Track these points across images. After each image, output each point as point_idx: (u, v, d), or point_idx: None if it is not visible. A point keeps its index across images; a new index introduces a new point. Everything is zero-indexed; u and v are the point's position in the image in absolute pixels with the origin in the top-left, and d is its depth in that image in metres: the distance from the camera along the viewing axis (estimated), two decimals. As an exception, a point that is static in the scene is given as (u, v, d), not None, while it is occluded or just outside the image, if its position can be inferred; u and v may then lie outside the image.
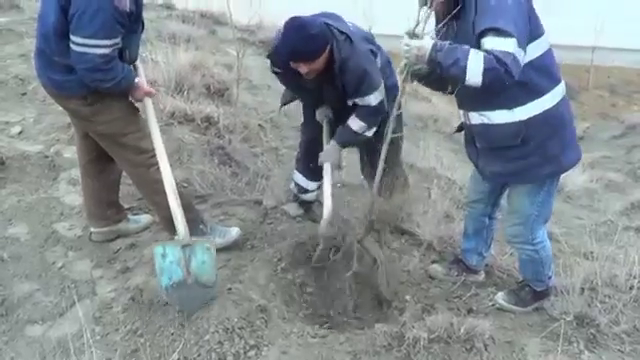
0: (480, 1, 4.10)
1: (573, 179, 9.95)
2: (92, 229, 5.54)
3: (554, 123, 4.32)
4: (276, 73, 5.61)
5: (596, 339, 4.68)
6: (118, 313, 4.72)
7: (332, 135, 5.67)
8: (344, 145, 5.58)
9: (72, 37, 4.43)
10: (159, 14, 13.56)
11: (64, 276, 5.17)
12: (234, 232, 5.44)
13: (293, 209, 6.27)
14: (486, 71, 3.98)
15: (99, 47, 4.44)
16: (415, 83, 4.87)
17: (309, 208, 6.40)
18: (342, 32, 5.13)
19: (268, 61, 5.57)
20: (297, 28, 4.90)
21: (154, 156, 4.93)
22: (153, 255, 4.58)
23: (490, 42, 4.01)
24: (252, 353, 4.30)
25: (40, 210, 5.91)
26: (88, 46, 4.41)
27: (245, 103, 9.23)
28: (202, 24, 13.45)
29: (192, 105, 7.92)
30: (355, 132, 5.38)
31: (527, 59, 4.11)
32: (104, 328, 4.60)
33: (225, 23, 13.59)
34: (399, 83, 4.75)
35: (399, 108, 4.76)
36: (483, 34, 4.04)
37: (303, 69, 5.03)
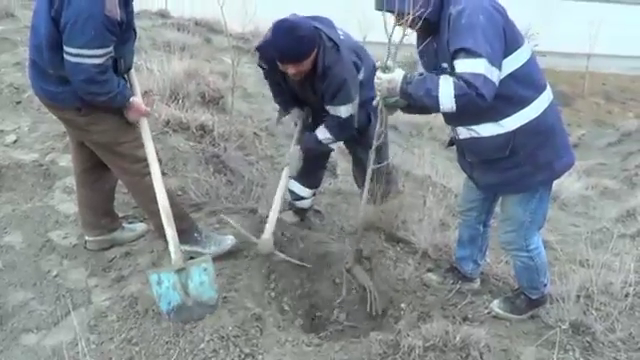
0: (452, 20, 4.11)
1: (568, 186, 9.97)
2: (87, 237, 5.52)
3: (543, 131, 4.33)
4: (262, 67, 5.67)
5: (592, 347, 4.67)
6: (113, 322, 4.71)
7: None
8: (306, 152, 5.63)
9: (65, 48, 4.43)
10: (154, 22, 13.59)
11: (59, 285, 5.15)
12: (229, 240, 5.41)
13: (289, 217, 6.28)
14: (458, 97, 4.05)
15: (93, 57, 4.44)
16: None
17: (304, 216, 6.40)
18: (330, 39, 5.18)
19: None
20: (287, 29, 4.94)
21: (146, 165, 4.94)
22: (149, 283, 4.61)
23: (461, 64, 4.07)
24: (247, 361, 4.30)
25: (35, 219, 5.90)
26: (82, 56, 4.42)
27: (240, 111, 9.24)
28: (197, 32, 13.48)
29: (187, 113, 7.92)
30: (319, 141, 5.50)
31: (507, 71, 4.15)
32: (99, 337, 4.59)
33: (220, 31, 13.63)
34: (379, 116, 4.83)
35: (379, 138, 4.84)
36: (455, 54, 4.10)
37: (291, 70, 5.07)
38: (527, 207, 4.61)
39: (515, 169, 4.42)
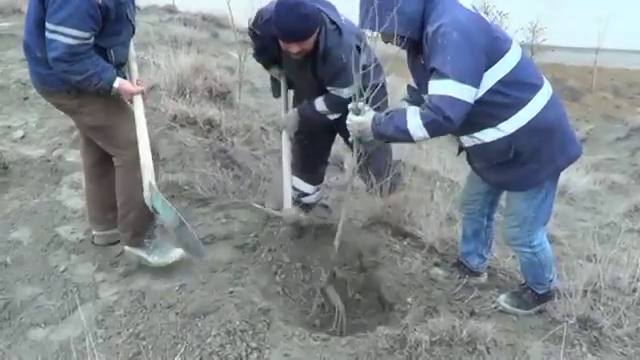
0: (429, 39, 4.13)
1: (576, 181, 9.95)
2: (94, 232, 5.53)
3: (543, 129, 4.31)
4: (255, 36, 5.62)
5: (599, 342, 4.66)
6: (120, 316, 4.71)
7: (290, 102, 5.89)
8: (304, 118, 5.67)
9: (46, 24, 4.49)
10: (161, 17, 13.61)
11: (67, 280, 5.16)
12: (174, 254, 5.28)
13: (296, 212, 6.27)
14: (426, 125, 4.13)
15: (66, 36, 4.47)
16: None
17: (311, 211, 6.40)
18: (333, 22, 5.18)
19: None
20: (290, 7, 4.91)
21: (134, 147, 4.94)
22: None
23: (431, 85, 4.13)
24: (254, 356, 4.28)
25: (43, 214, 5.91)
26: (57, 33, 4.47)
27: (247, 106, 9.25)
28: (204, 27, 13.50)
29: (194, 108, 7.92)
30: (317, 112, 5.51)
31: (495, 79, 4.16)
32: (106, 331, 4.59)
33: (227, 26, 13.64)
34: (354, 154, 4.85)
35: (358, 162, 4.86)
36: (429, 74, 4.14)
37: (294, 49, 5.05)
38: (532, 203, 4.60)
39: (521, 168, 4.42)
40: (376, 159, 5.77)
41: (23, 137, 7.21)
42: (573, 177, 9.96)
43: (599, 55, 32.99)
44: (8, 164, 6.50)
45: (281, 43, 5.11)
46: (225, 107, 8.59)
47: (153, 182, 4.83)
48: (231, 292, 4.87)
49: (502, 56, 4.17)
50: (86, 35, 4.56)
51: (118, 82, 4.87)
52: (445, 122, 4.05)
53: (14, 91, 8.23)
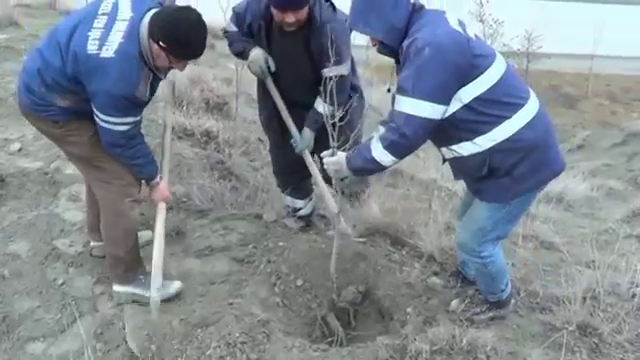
0: (403, 53, 4.14)
1: (574, 188, 9.96)
2: (92, 243, 5.52)
3: (521, 148, 4.23)
4: (238, 20, 5.57)
5: (599, 348, 4.66)
6: (120, 330, 4.71)
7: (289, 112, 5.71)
8: (317, 131, 5.58)
9: (95, 111, 4.49)
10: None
11: (65, 293, 5.16)
12: (173, 287, 5.20)
13: (292, 223, 6.28)
14: (387, 148, 4.20)
15: (120, 125, 4.52)
16: None
17: (309, 220, 6.40)
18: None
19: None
20: None
21: (131, 186, 4.96)
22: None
23: (395, 101, 4.19)
24: (254, 367, 4.30)
25: (40, 227, 5.90)
26: (110, 123, 4.50)
27: (244, 117, 9.24)
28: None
29: (191, 120, 7.94)
30: (322, 115, 5.37)
31: (471, 96, 4.11)
32: (105, 345, 4.60)
33: (223, 37, 13.62)
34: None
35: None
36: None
37: (290, 18, 5.02)
38: (493, 215, 4.55)
39: (492, 180, 4.38)
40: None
41: (20, 149, 7.20)
42: (570, 184, 9.98)
43: (594, 61, 33.02)
44: (5, 177, 6.49)
45: (276, 14, 5.09)
46: (222, 118, 8.60)
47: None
48: (230, 304, 4.87)
49: (481, 73, 4.11)
50: (138, 118, 4.65)
51: (158, 180, 5.01)
52: (402, 139, 4.10)
53: (11, 103, 8.20)
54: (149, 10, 4.46)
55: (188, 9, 4.41)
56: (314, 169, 5.67)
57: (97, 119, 4.50)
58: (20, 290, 5.16)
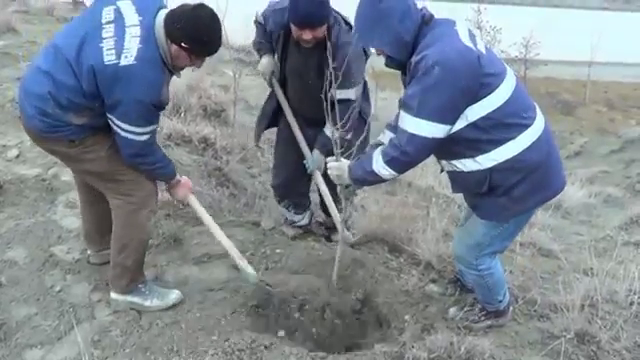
0: (411, 68, 4.08)
1: (572, 195, 9.96)
2: (89, 252, 5.51)
3: (523, 168, 4.20)
4: (264, 21, 5.61)
5: (597, 356, 4.66)
6: (117, 336, 4.70)
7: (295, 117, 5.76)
8: (327, 153, 5.48)
9: (115, 121, 4.43)
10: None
11: (62, 300, 5.14)
12: (173, 296, 5.16)
13: (290, 230, 6.29)
14: (388, 163, 4.21)
15: (142, 134, 4.50)
16: None
17: (307, 228, 6.41)
18: (347, 23, 5.25)
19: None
20: None
21: (151, 196, 4.94)
22: None
23: (400, 117, 4.20)
24: (252, 375, 4.30)
25: (38, 233, 5.89)
26: (133, 133, 4.45)
27: (242, 124, 9.25)
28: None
29: (189, 126, 7.94)
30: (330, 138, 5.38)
31: (479, 115, 4.05)
32: (103, 352, 4.58)
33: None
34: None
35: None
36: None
37: (307, 35, 5.07)
38: (490, 232, 4.54)
39: (491, 198, 4.35)
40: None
41: (18, 156, 7.19)
42: (569, 191, 9.97)
43: (592, 68, 33.13)
44: (3, 183, 6.48)
45: (294, 30, 5.15)
46: (220, 125, 8.61)
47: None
48: (228, 311, 4.86)
49: (490, 92, 4.04)
50: (157, 126, 4.65)
51: (178, 178, 5.08)
52: (403, 157, 4.12)
53: (9, 110, 8.20)
54: (158, 11, 4.43)
55: (203, 6, 4.40)
56: (324, 188, 5.71)
57: (118, 130, 4.45)
58: (17, 297, 5.15)
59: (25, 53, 10.00)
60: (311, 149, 5.66)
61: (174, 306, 5.04)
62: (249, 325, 4.80)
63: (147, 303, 5.00)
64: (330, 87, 4.72)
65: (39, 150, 7.00)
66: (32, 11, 14.31)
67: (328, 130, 5.36)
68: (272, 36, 5.54)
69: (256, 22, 5.71)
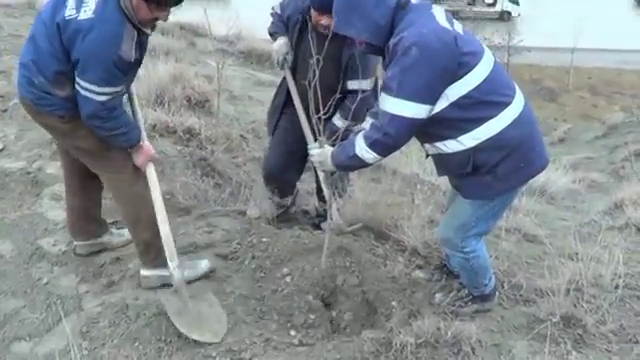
0: (389, 51, 4.09)
1: (556, 180, 9.98)
2: (75, 243, 5.51)
3: (505, 146, 4.21)
4: (282, 11, 5.71)
5: (583, 339, 4.70)
6: (105, 327, 4.70)
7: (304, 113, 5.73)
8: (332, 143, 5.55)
9: (77, 79, 4.42)
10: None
11: (50, 292, 5.15)
12: (203, 265, 5.25)
13: (273, 209, 6.37)
14: (371, 146, 4.18)
15: (101, 94, 4.42)
16: None
17: (288, 209, 6.64)
18: None
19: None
20: None
21: (137, 171, 4.93)
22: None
23: (380, 99, 4.19)
24: (240, 363, 4.32)
25: (24, 226, 5.89)
26: (91, 91, 4.40)
27: (226, 114, 9.24)
28: (181, 36, 13.48)
29: (173, 117, 7.91)
30: (338, 129, 5.38)
31: (458, 94, 4.07)
32: (91, 343, 4.59)
33: (204, 35, 13.62)
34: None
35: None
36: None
37: (326, 21, 5.10)
38: (476, 212, 4.55)
39: (475, 177, 4.35)
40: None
41: (2, 150, 7.17)
42: (553, 176, 10.00)
43: (575, 55, 33.19)
44: (-13, 177, 6.48)
45: (313, 15, 5.26)
46: (204, 115, 8.59)
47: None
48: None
49: (470, 71, 4.06)
50: (119, 89, 4.55)
51: (142, 143, 4.94)
52: (385, 138, 4.10)
53: (-8, 104, 8.19)
54: None
55: None
56: (325, 185, 5.67)
57: (78, 89, 4.44)
58: (5, 290, 5.15)
59: (8, 47, 9.95)
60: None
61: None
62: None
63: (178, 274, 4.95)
64: (345, 78, 4.75)
65: (24, 143, 7.02)
66: (13, 4, 14.22)
67: (337, 120, 5.40)
68: (290, 22, 5.61)
69: (273, 12, 5.78)
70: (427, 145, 4.51)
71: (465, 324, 4.58)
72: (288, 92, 5.86)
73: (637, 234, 7.14)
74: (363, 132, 4.27)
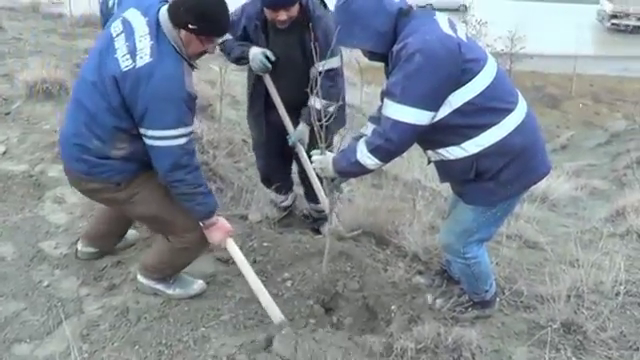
0: (393, 57, 4.09)
1: (558, 187, 9.99)
2: (79, 247, 5.51)
3: (508, 152, 4.21)
4: (234, 29, 5.62)
5: (583, 346, 4.68)
6: (105, 330, 4.70)
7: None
8: (311, 124, 5.51)
9: (146, 132, 4.26)
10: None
11: (51, 295, 5.14)
12: (196, 286, 5.12)
13: (275, 212, 6.44)
14: (372, 152, 4.18)
15: (179, 137, 4.26)
16: None
17: (290, 210, 6.77)
18: None
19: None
20: None
21: (203, 244, 4.86)
22: None
23: (383, 105, 4.18)
24: (240, 367, 4.31)
25: (26, 229, 5.90)
26: (168, 138, 4.23)
27: (228, 118, 9.27)
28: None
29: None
30: (319, 110, 5.40)
31: (462, 101, 4.07)
32: (91, 346, 4.58)
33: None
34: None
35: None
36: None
37: (282, 16, 5.25)
38: (478, 217, 4.54)
39: (477, 183, 4.35)
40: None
41: (5, 153, 7.18)
42: (554, 183, 10.01)
43: (577, 62, 33.20)
44: (-10, 180, 6.49)
45: (269, 14, 5.33)
46: (206, 120, 8.60)
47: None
48: (215, 305, 4.88)
49: (472, 78, 4.06)
50: (191, 129, 4.37)
51: (215, 217, 4.72)
52: (387, 144, 4.10)
53: (-6, 107, 8.20)
54: (160, 5, 4.32)
55: None
56: (308, 165, 5.78)
57: (151, 142, 4.26)
58: (6, 292, 5.15)
59: (11, 50, 9.98)
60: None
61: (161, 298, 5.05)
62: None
63: (170, 291, 5.01)
64: (318, 59, 4.77)
65: (26, 146, 7.05)
66: (18, 8, 14.27)
67: (315, 102, 5.41)
68: (248, 31, 5.62)
69: (222, 43, 5.67)
70: (430, 152, 4.50)
71: (465, 330, 4.58)
72: (265, 99, 5.92)
73: (638, 241, 7.13)
74: (365, 138, 4.26)
